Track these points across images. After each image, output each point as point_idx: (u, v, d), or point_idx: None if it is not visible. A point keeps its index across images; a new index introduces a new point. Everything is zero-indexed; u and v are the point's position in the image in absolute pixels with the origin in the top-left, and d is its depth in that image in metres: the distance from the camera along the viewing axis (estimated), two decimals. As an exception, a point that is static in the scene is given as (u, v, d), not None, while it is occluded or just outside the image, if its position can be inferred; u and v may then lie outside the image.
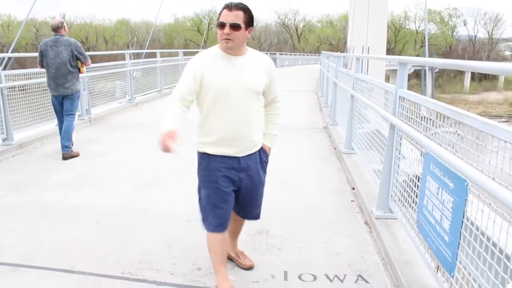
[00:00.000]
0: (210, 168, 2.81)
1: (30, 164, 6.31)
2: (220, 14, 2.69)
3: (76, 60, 6.66)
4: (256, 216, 3.15)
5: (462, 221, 2.32)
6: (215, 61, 2.74)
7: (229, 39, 2.64)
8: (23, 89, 7.76)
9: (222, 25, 2.64)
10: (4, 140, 6.99)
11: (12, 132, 7.10)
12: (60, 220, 4.19)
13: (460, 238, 2.34)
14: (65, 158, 6.50)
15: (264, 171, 3.01)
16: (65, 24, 6.71)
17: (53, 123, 8.53)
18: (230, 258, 3.32)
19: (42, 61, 6.58)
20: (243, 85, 2.72)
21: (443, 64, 3.52)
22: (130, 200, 4.74)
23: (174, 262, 3.35)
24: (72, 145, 6.72)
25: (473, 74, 59.55)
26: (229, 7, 2.66)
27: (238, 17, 2.64)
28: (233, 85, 2.70)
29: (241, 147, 2.80)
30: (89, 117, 9.66)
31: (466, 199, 2.29)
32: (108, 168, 6.04)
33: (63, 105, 6.75)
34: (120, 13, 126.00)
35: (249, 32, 2.72)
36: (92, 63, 8.51)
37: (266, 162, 3.01)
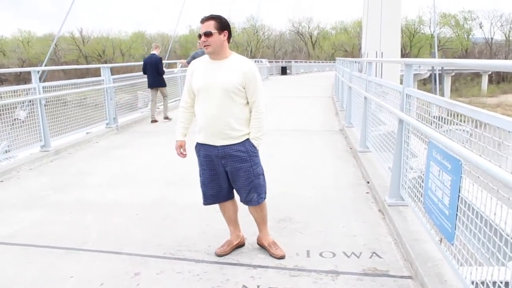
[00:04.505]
0: (199, 154, 3.50)
1: (67, 167, 6.83)
2: None
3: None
4: (248, 201, 3.54)
5: (459, 196, 2.73)
6: (202, 65, 3.41)
7: (206, 45, 3.25)
8: (57, 100, 8.32)
9: (199, 36, 3.28)
10: (42, 146, 7.55)
11: (50, 140, 7.66)
12: (103, 213, 4.68)
13: (457, 210, 2.75)
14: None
15: (252, 163, 3.40)
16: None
17: (84, 131, 9.16)
18: (263, 247, 3.72)
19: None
20: (218, 85, 3.26)
21: (447, 63, 3.91)
22: (164, 195, 5.23)
23: (209, 245, 3.80)
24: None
25: (490, 76, 59.27)
26: (202, 20, 3.29)
27: (209, 26, 3.24)
28: (209, 85, 3.29)
29: (216, 137, 3.34)
30: (117, 125, 10.23)
31: (461, 177, 2.70)
32: (139, 169, 6.55)
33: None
34: (136, 26, 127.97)
35: (224, 36, 3.28)
36: (112, 75, 10.57)
37: (251, 155, 3.39)
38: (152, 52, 11.47)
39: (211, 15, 3.30)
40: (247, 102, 3.37)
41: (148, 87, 11.52)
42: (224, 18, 3.31)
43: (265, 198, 3.58)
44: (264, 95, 3.40)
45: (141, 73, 12.61)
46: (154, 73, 11.19)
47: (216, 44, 3.25)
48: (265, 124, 3.44)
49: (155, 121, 11.30)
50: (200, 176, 3.58)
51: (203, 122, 3.37)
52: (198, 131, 3.45)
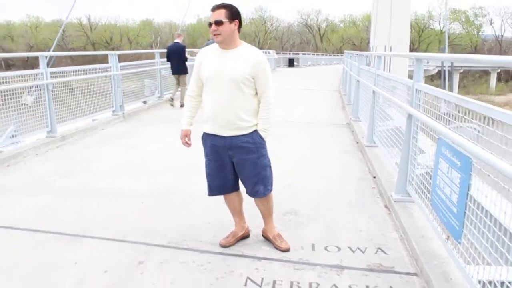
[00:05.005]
0: (206, 144, 3.47)
1: (73, 154, 6.84)
2: None
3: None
4: (254, 193, 3.51)
5: (467, 194, 2.70)
6: (210, 54, 3.36)
7: (217, 34, 3.19)
8: (64, 86, 8.30)
9: (210, 24, 3.21)
10: (48, 132, 7.56)
11: (56, 126, 7.67)
12: (109, 201, 4.68)
13: (466, 209, 2.72)
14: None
15: (259, 154, 3.39)
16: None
17: (90, 118, 9.16)
18: (268, 240, 3.71)
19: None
20: (226, 75, 3.21)
21: (458, 59, 3.85)
22: (170, 184, 5.22)
23: (214, 235, 3.79)
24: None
25: (499, 74, 58.76)
26: (212, 8, 3.24)
27: (220, 14, 3.18)
28: (218, 74, 3.24)
29: (224, 128, 3.31)
30: (123, 113, 10.22)
31: (470, 174, 2.67)
32: (146, 157, 6.55)
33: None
34: (144, 14, 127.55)
35: (235, 25, 3.23)
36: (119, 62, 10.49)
37: (259, 146, 3.37)
38: (175, 41, 12.17)
39: (222, 3, 3.24)
40: (256, 93, 3.32)
41: (172, 74, 12.19)
42: (235, 7, 3.26)
43: (271, 190, 3.56)
44: (273, 86, 3.36)
45: (149, 60, 12.77)
46: (178, 61, 11.79)
47: (227, 33, 3.20)
48: (273, 115, 3.41)
49: (172, 104, 11.84)
50: (206, 167, 3.56)
51: (212, 112, 3.32)
52: (206, 121, 3.40)
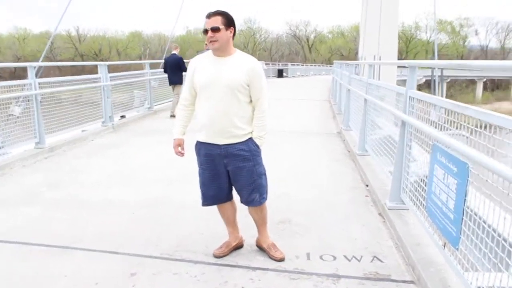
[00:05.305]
0: (199, 153, 3.40)
1: (62, 165, 6.74)
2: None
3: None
4: (250, 202, 3.46)
5: (465, 200, 2.67)
6: (204, 62, 3.31)
7: (213, 40, 3.15)
8: (52, 97, 8.22)
9: (205, 31, 3.18)
10: (37, 143, 7.45)
11: (44, 136, 7.56)
12: (99, 212, 4.60)
13: (463, 215, 2.70)
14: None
15: (255, 162, 3.35)
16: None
17: (79, 129, 9.07)
18: (262, 249, 3.65)
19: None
20: (222, 82, 3.17)
21: (450, 64, 3.84)
22: (162, 194, 5.15)
23: (207, 245, 3.73)
24: None
25: (485, 84, 59.60)
26: (208, 15, 3.21)
27: (216, 21, 3.16)
28: (213, 81, 3.20)
29: (220, 136, 3.26)
30: (113, 124, 10.13)
31: (467, 180, 2.64)
32: (135, 168, 6.46)
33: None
34: (133, 26, 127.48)
35: (230, 32, 3.22)
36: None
37: (254, 154, 3.33)
38: (172, 52, 12.36)
39: (218, 10, 3.21)
40: (250, 101, 3.29)
41: (169, 85, 12.35)
42: (230, 14, 3.23)
43: (266, 199, 3.51)
44: (267, 93, 3.33)
45: (137, 72, 12.85)
46: (175, 71, 11.97)
47: (223, 40, 3.17)
48: (268, 123, 3.37)
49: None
50: (200, 176, 3.49)
51: (207, 119, 3.26)
52: (200, 129, 3.34)
